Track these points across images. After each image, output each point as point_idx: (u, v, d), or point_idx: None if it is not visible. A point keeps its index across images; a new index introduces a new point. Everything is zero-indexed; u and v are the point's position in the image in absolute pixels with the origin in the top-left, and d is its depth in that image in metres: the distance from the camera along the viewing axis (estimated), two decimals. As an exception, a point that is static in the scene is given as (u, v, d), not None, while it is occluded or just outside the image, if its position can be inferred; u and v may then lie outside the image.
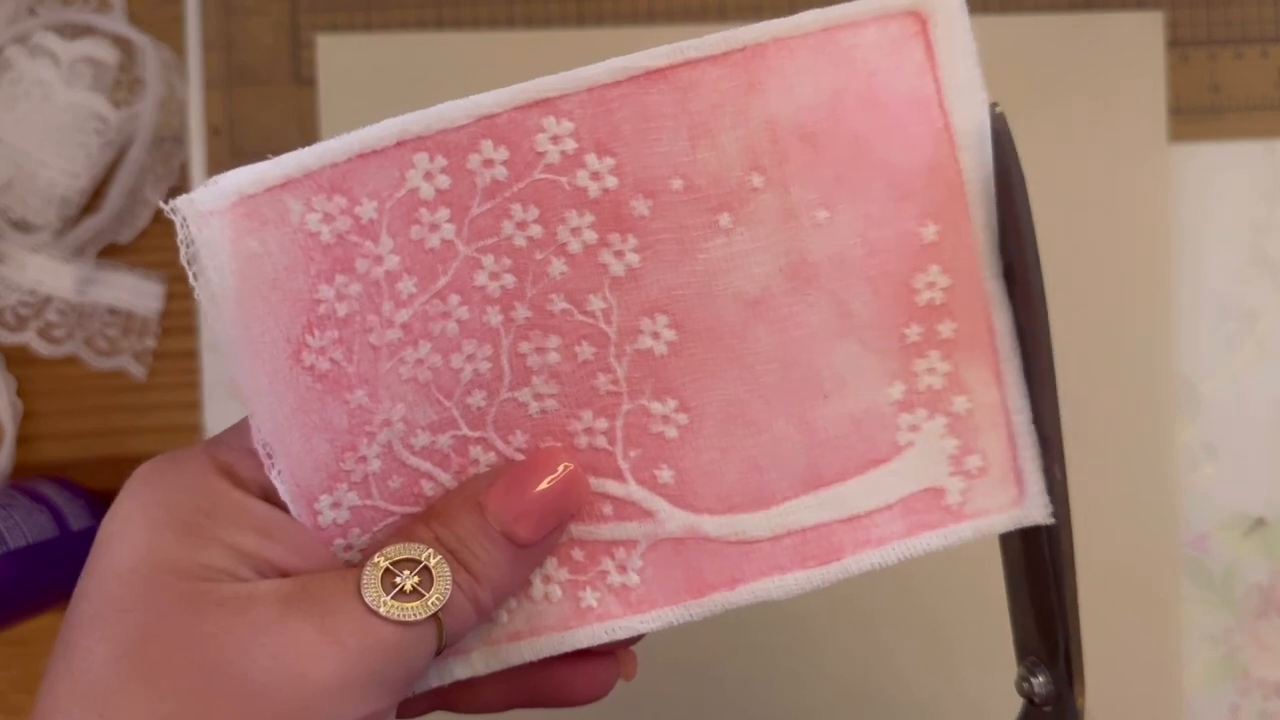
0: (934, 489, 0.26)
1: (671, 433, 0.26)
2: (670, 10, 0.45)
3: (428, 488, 0.26)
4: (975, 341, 0.25)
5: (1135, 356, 0.44)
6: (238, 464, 0.25)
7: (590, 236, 0.24)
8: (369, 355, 0.24)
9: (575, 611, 0.26)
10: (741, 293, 0.25)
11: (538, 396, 0.25)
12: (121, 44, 0.46)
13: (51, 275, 0.45)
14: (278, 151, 0.44)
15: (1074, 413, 0.44)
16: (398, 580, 0.24)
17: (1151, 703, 0.44)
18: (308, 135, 0.44)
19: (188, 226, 0.22)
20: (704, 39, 0.24)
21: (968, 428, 0.25)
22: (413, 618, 0.24)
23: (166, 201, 0.23)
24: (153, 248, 0.46)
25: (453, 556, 0.25)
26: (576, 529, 0.26)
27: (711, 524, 0.26)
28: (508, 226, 0.24)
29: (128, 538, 0.24)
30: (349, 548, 0.25)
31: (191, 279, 0.23)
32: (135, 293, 0.45)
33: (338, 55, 0.44)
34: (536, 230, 0.24)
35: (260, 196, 0.23)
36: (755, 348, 0.25)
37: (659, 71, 0.24)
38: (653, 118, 0.24)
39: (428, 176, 0.24)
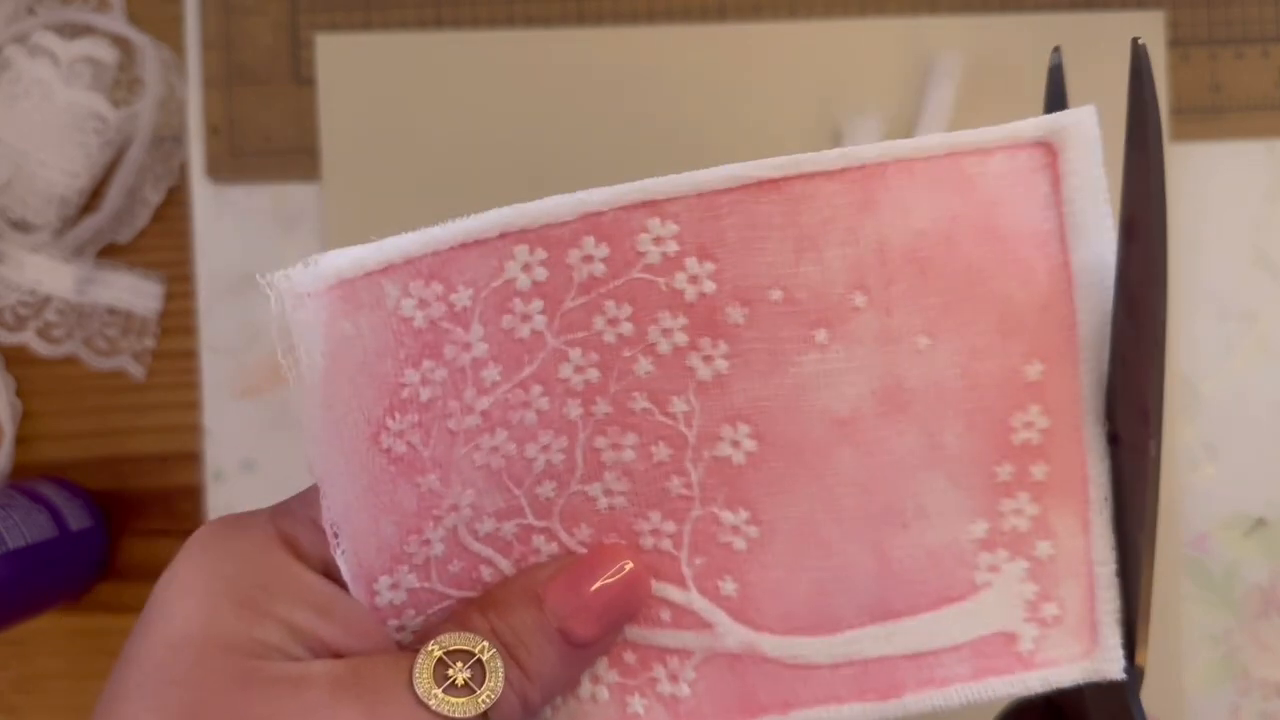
0: (1007, 634, 0.25)
1: (740, 544, 0.25)
2: (670, 10, 0.45)
3: (487, 574, 0.25)
4: (1067, 487, 0.24)
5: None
6: (301, 536, 0.24)
7: (681, 339, 0.24)
8: (445, 440, 0.24)
9: (621, 717, 0.25)
10: (830, 411, 0.24)
11: (608, 492, 0.25)
12: (121, 43, 0.46)
13: (51, 275, 0.45)
14: (277, 151, 0.44)
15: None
16: (450, 672, 0.23)
17: (1152, 703, 0.43)
18: (307, 135, 0.44)
19: (283, 305, 0.22)
20: (822, 154, 0.23)
21: (1048, 574, 0.25)
22: (462, 714, 0.23)
23: (262, 278, 0.23)
24: (152, 247, 0.46)
25: (507, 651, 0.24)
26: (631, 632, 0.25)
27: (770, 643, 0.25)
28: (599, 322, 0.24)
29: (183, 606, 0.23)
30: (402, 629, 0.25)
31: (280, 355, 0.23)
32: (134, 292, 0.45)
33: (337, 54, 0.44)
34: (627, 328, 0.24)
35: (359, 281, 0.23)
36: (837, 468, 0.24)
37: (772, 182, 0.23)
38: (760, 227, 0.23)
39: (526, 268, 0.23)
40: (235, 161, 0.45)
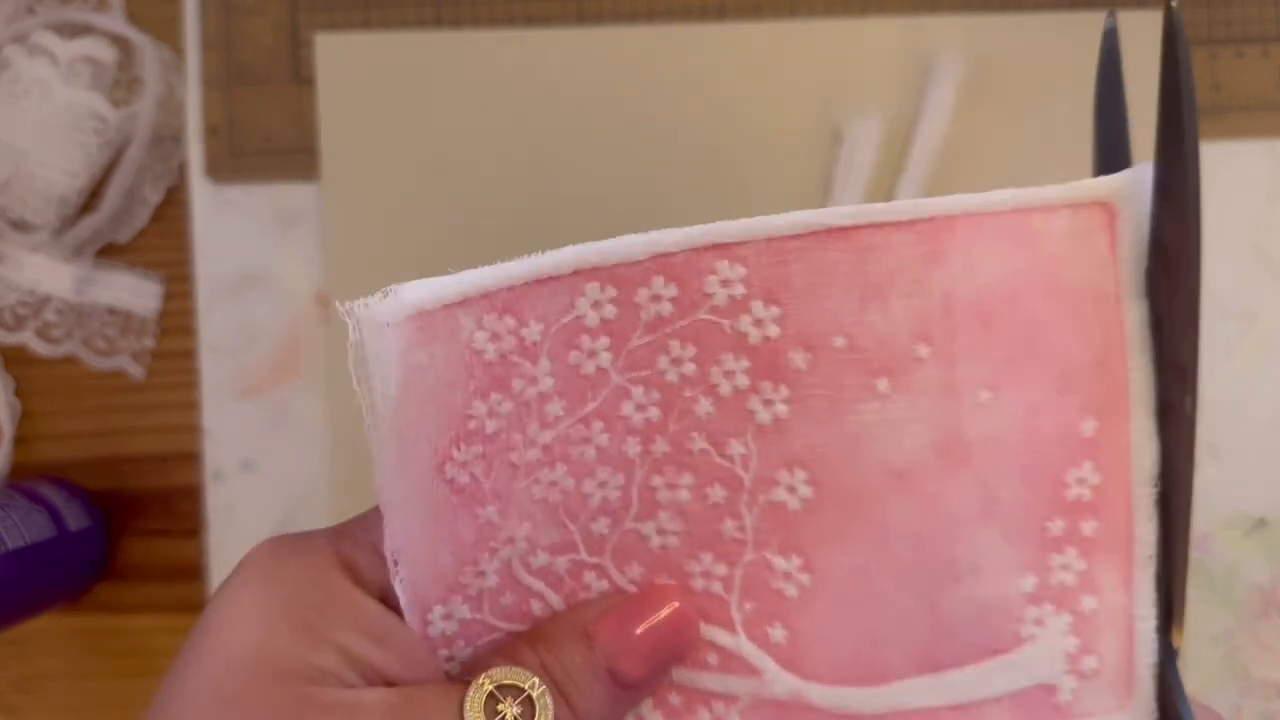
0: (1047, 686, 0.25)
1: (791, 591, 0.25)
2: (670, 9, 0.45)
3: (537, 607, 0.25)
4: (1114, 543, 0.25)
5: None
6: (360, 560, 0.24)
7: (742, 381, 0.24)
8: (507, 473, 0.24)
9: None
10: (888, 461, 0.24)
11: (660, 532, 0.25)
12: (120, 43, 0.46)
13: (50, 275, 0.45)
14: (276, 151, 0.44)
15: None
16: (500, 707, 0.23)
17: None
18: (307, 135, 0.44)
19: (360, 333, 0.23)
20: (891, 205, 0.23)
21: (1090, 628, 0.25)
22: None
23: (341, 306, 0.23)
24: (151, 247, 0.46)
25: (556, 688, 0.24)
26: (678, 674, 0.25)
27: (818, 693, 0.25)
28: (663, 361, 0.24)
29: (240, 627, 0.23)
30: (450, 659, 0.25)
31: (355, 383, 0.23)
32: (134, 292, 0.45)
33: (336, 54, 0.44)
34: (690, 368, 0.24)
35: (438, 313, 0.23)
36: (893, 520, 0.24)
37: (841, 230, 0.24)
38: (827, 274, 0.24)
39: (595, 305, 0.24)
40: (235, 161, 0.45)
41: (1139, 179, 0.24)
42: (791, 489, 0.24)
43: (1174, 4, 0.23)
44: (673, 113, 0.44)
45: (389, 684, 0.24)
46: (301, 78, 0.45)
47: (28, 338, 0.46)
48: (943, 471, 0.24)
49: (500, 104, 0.44)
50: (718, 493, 0.25)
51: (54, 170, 0.45)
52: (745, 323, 0.24)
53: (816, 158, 0.44)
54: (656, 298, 0.24)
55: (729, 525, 0.25)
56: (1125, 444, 0.24)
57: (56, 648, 0.46)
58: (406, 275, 0.44)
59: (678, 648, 0.25)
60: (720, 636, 0.25)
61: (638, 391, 0.24)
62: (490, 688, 0.24)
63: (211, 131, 0.45)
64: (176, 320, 0.46)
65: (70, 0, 0.46)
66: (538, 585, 0.25)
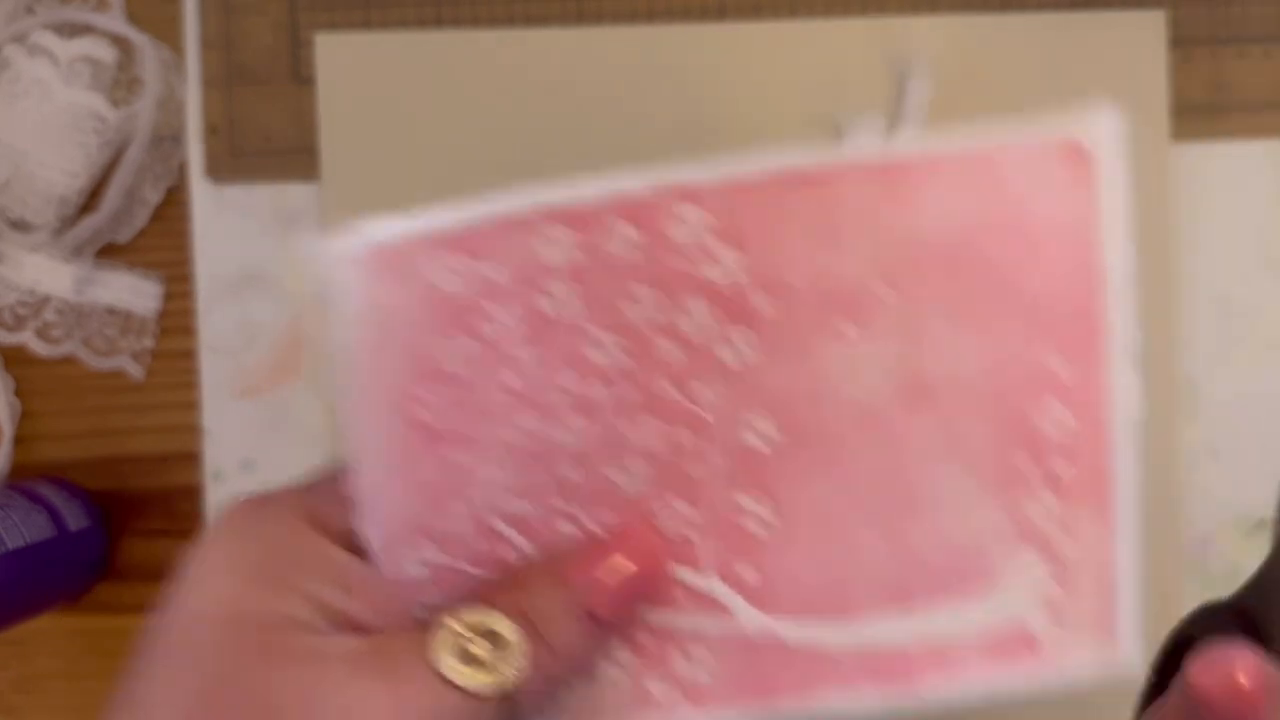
0: (1022, 627, 0.25)
1: (759, 531, 0.25)
2: (670, 9, 0.44)
3: (509, 553, 0.25)
4: (1092, 488, 0.25)
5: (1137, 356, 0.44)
6: (327, 512, 0.25)
7: (709, 326, 0.24)
8: (474, 417, 0.24)
9: (637, 698, 0.25)
10: (853, 402, 0.24)
11: (629, 476, 0.25)
12: (120, 43, 0.46)
13: (50, 275, 0.45)
14: (276, 151, 0.44)
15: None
16: (472, 648, 0.23)
17: (1153, 704, 0.43)
18: (307, 135, 0.44)
19: (325, 267, 0.23)
20: (852, 149, 0.24)
21: (1068, 571, 0.25)
22: (485, 688, 0.23)
23: (302, 242, 0.23)
24: (151, 247, 0.46)
25: (532, 628, 0.24)
26: (649, 615, 0.26)
27: (787, 629, 0.25)
28: (629, 307, 0.24)
29: (209, 582, 0.24)
30: (423, 606, 0.25)
31: (318, 321, 0.23)
32: (133, 292, 0.45)
33: (336, 54, 0.44)
34: (654, 313, 0.24)
35: (399, 250, 0.23)
36: (858, 458, 0.25)
37: (804, 173, 0.24)
38: (790, 218, 0.24)
39: (560, 249, 0.24)
40: (234, 161, 0.45)
41: (1109, 118, 0.23)
42: (758, 432, 0.25)
43: None
44: (673, 112, 0.44)
45: (360, 631, 0.24)
46: (301, 78, 0.45)
47: (27, 338, 0.46)
48: (907, 410, 0.24)
49: (500, 104, 0.44)
50: (685, 436, 0.25)
51: (54, 170, 0.45)
52: (711, 267, 0.24)
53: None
54: (621, 240, 0.24)
55: (697, 469, 0.25)
56: (1103, 388, 0.24)
57: (56, 648, 0.46)
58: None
59: (651, 586, 0.25)
60: (690, 577, 0.25)
61: (606, 337, 0.24)
62: (460, 629, 0.24)
63: (211, 131, 0.45)
64: (176, 320, 0.46)
65: (70, 0, 0.46)
66: (509, 532, 0.25)
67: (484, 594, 0.25)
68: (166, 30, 0.46)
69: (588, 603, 0.25)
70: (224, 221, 0.45)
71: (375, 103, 0.44)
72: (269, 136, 0.45)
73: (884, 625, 0.25)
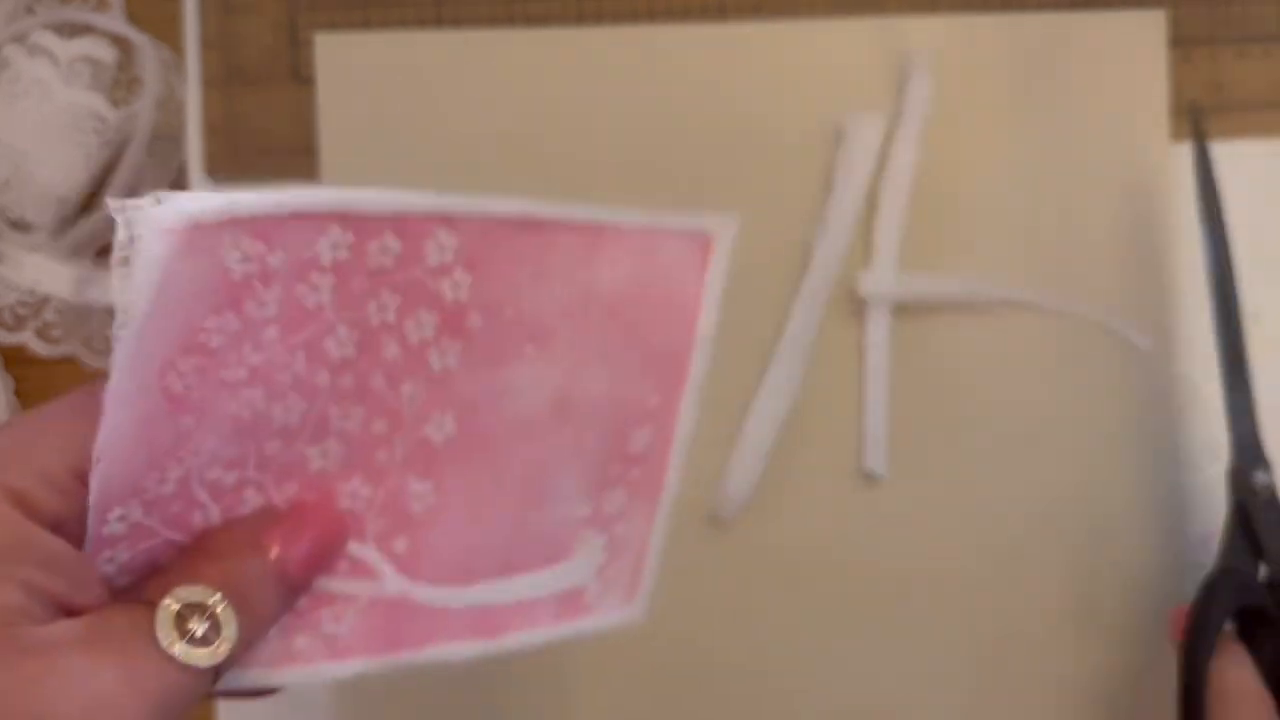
0: (580, 588, 0.31)
1: (418, 509, 0.29)
2: (670, 9, 0.45)
3: (197, 518, 0.27)
4: (649, 487, 0.31)
5: (1137, 356, 0.44)
6: (29, 491, 0.24)
7: (428, 333, 0.27)
8: (213, 388, 0.25)
9: (285, 653, 0.28)
10: (519, 412, 0.29)
11: (324, 455, 0.28)
12: (120, 43, 0.46)
13: (49, 275, 0.45)
14: (278, 151, 0.44)
15: (1076, 414, 0.44)
16: (190, 625, 0.24)
17: (1156, 703, 0.44)
18: (306, 134, 0.44)
19: (133, 233, 0.23)
20: (570, 208, 0.28)
21: (618, 546, 0.31)
22: (207, 664, 0.24)
23: (110, 202, 0.23)
24: (151, 247, 0.46)
25: (238, 599, 0.25)
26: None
27: (421, 592, 0.29)
28: (372, 306, 0.27)
29: None
30: (111, 561, 0.26)
31: (117, 281, 0.23)
32: (133, 292, 0.45)
33: (336, 54, 0.44)
34: (391, 316, 0.27)
35: (207, 227, 0.24)
36: (510, 457, 0.29)
37: (536, 223, 0.28)
38: (515, 255, 0.28)
39: (333, 246, 0.26)
40: (234, 161, 0.45)
41: (727, 224, 0.30)
42: (440, 427, 0.28)
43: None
44: (673, 112, 0.44)
45: (72, 612, 0.24)
46: (301, 78, 0.45)
47: (27, 338, 0.46)
48: (553, 421, 0.29)
49: (500, 104, 0.44)
50: (380, 425, 0.28)
51: (54, 170, 0.45)
52: (446, 285, 0.27)
53: (817, 157, 0.44)
54: (384, 249, 0.26)
55: (382, 455, 0.28)
56: (674, 416, 0.31)
57: (56, 648, 0.46)
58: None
59: (335, 554, 0.28)
60: (354, 547, 0.28)
61: (343, 330, 0.26)
62: (176, 607, 0.24)
63: (211, 131, 0.45)
64: (176, 320, 0.46)
65: (70, 0, 0.46)
66: (203, 497, 0.26)
67: (191, 568, 0.26)
68: (166, 30, 0.46)
69: (285, 569, 0.26)
70: (224, 221, 0.45)
71: (375, 103, 0.44)
72: (268, 136, 0.45)
73: (492, 590, 0.30)
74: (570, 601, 0.31)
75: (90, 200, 0.46)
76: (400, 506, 0.28)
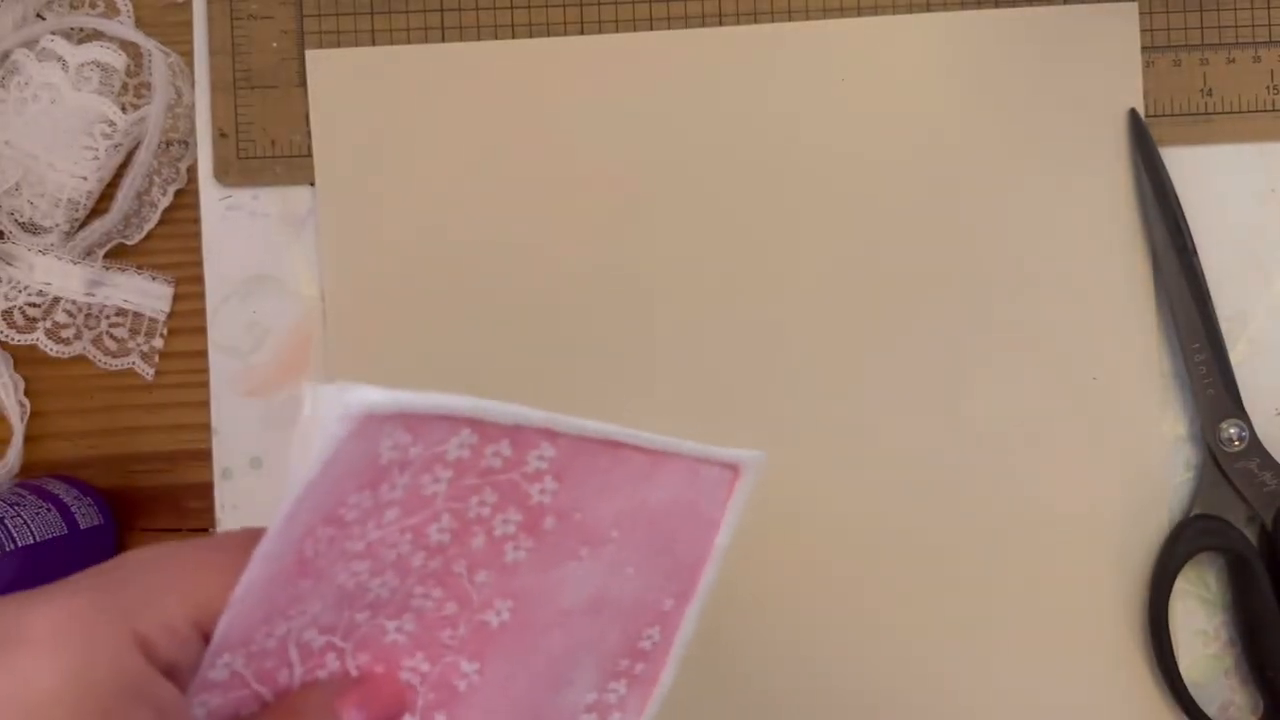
0: None
1: (462, 686, 0.30)
2: (670, 16, 0.45)
3: (284, 676, 0.28)
4: (647, 679, 0.33)
5: (1126, 357, 0.44)
6: (154, 638, 0.25)
7: (511, 530, 0.30)
8: (334, 558, 0.27)
9: None
10: (563, 605, 0.31)
11: (399, 629, 0.30)
12: (129, 48, 0.46)
13: (60, 276, 0.45)
14: (283, 155, 0.45)
15: (1066, 413, 0.44)
16: None
17: (1146, 700, 0.44)
18: (312, 140, 0.45)
19: (316, 412, 0.25)
20: (650, 436, 0.30)
21: None
22: None
23: (312, 390, 0.26)
24: (160, 250, 0.47)
25: None
26: None
27: None
28: (473, 500, 0.29)
29: (44, 703, 0.23)
30: (204, 705, 0.27)
31: (295, 450, 0.25)
32: (143, 294, 0.46)
33: (328, 69, 0.45)
34: (486, 511, 0.29)
35: (379, 419, 0.26)
36: (545, 644, 0.31)
37: (616, 444, 0.30)
38: (593, 469, 0.30)
39: (460, 445, 0.28)
40: (242, 165, 0.45)
41: (758, 460, 0.32)
42: (498, 612, 0.30)
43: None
44: (673, 116, 0.45)
45: None
46: (307, 83, 0.45)
47: (38, 338, 0.46)
48: (587, 616, 0.31)
49: (497, 115, 0.45)
50: (452, 607, 0.30)
51: (64, 173, 0.45)
52: (535, 488, 0.30)
53: (818, 159, 0.45)
54: (497, 453, 0.29)
55: (447, 633, 0.30)
56: (681, 618, 0.33)
57: (66, 643, 0.47)
58: (401, 287, 0.45)
59: (394, 713, 0.29)
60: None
61: (445, 518, 0.29)
62: None
63: (219, 136, 0.45)
64: (185, 321, 0.46)
65: (79, 6, 0.47)
66: (294, 656, 0.28)
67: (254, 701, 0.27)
68: (175, 36, 0.46)
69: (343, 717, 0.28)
70: (232, 224, 0.45)
71: (366, 115, 0.44)
72: (275, 141, 0.45)
73: None
74: None
75: (100, 203, 0.46)
76: (448, 683, 0.30)
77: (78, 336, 0.46)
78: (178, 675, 0.26)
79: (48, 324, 0.46)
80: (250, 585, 0.26)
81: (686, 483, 0.32)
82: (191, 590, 0.26)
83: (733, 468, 0.32)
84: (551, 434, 0.29)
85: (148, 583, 0.26)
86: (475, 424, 0.28)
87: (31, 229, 0.46)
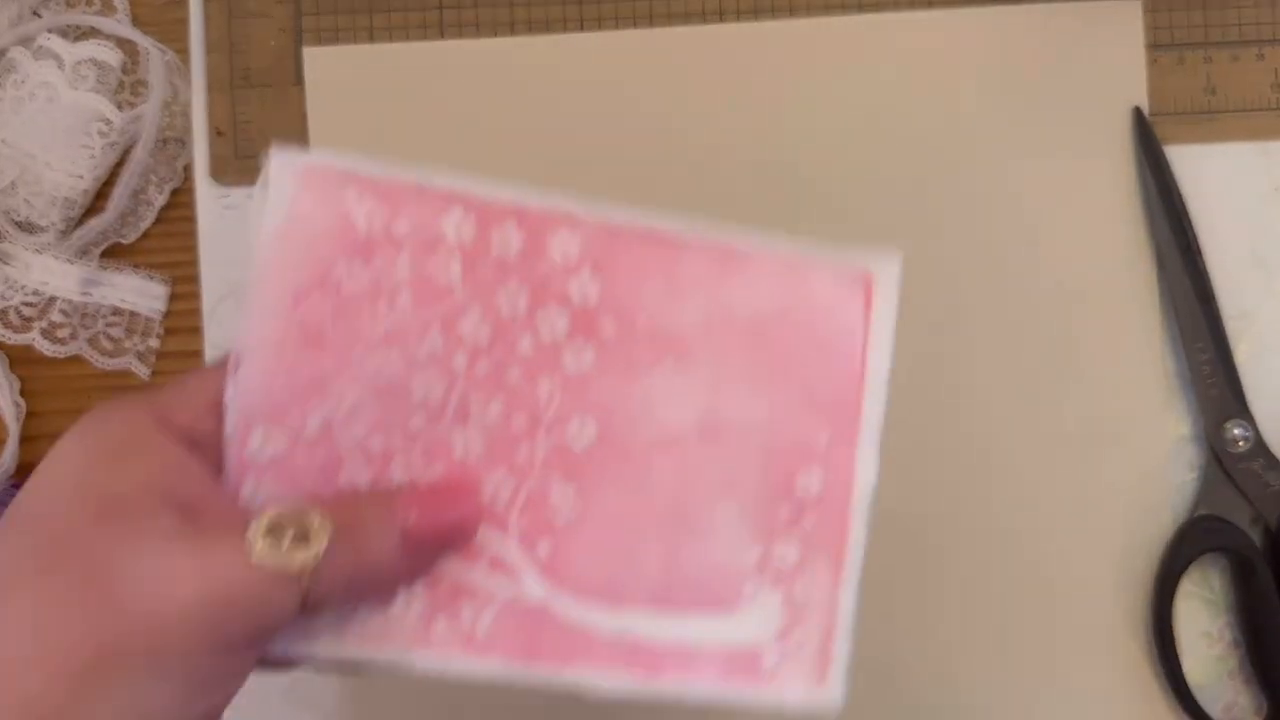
0: (755, 650, 0.29)
1: (560, 516, 0.29)
2: (670, 13, 0.45)
3: (343, 476, 0.28)
4: (829, 542, 0.29)
5: (1129, 356, 0.44)
6: (171, 411, 0.28)
7: (560, 333, 0.28)
8: (349, 335, 0.28)
9: (420, 635, 0.28)
10: (662, 426, 0.29)
11: (466, 441, 0.29)
12: (125, 46, 0.46)
13: (56, 276, 0.45)
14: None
15: (1071, 414, 0.44)
16: (282, 535, 0.26)
17: (1149, 701, 0.44)
18: (309, 138, 0.45)
19: (269, 169, 0.27)
20: (704, 228, 0.29)
21: (799, 608, 0.29)
22: (272, 564, 0.25)
23: (270, 153, 0.28)
24: (156, 249, 0.46)
25: (346, 530, 0.26)
26: (452, 564, 0.29)
27: (564, 604, 0.29)
28: (501, 295, 0.28)
29: (61, 463, 0.27)
30: (258, 491, 0.28)
31: (252, 214, 0.28)
32: (139, 293, 0.46)
33: (325, 67, 0.44)
34: (522, 309, 0.28)
35: (332, 176, 0.28)
36: (655, 475, 0.29)
37: (662, 234, 0.29)
38: (646, 266, 0.29)
39: (457, 228, 0.28)
40: (239, 163, 0.45)
41: (894, 263, 0.29)
42: (579, 431, 0.29)
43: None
44: (672, 115, 0.45)
45: (187, 514, 0.26)
46: (305, 82, 0.45)
47: (33, 338, 0.46)
48: (702, 445, 0.29)
49: (492, 113, 0.44)
50: (520, 420, 0.29)
51: (60, 172, 0.45)
52: (573, 284, 0.28)
53: (820, 156, 0.44)
54: (506, 241, 0.28)
55: (523, 450, 0.29)
56: (850, 464, 0.29)
57: (62, 645, 0.47)
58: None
59: (460, 535, 0.28)
60: (495, 540, 0.29)
61: (475, 314, 0.28)
62: (274, 515, 0.26)
63: (216, 134, 0.45)
64: (181, 321, 0.46)
65: (75, 4, 0.47)
66: (350, 454, 0.28)
67: (311, 496, 0.28)
68: (171, 34, 0.46)
69: (407, 524, 0.27)
70: (228, 223, 0.45)
71: (364, 114, 0.44)
72: (272, 139, 0.45)
73: (644, 621, 0.29)
74: (742, 662, 0.29)
75: (96, 202, 0.46)
76: (542, 509, 0.29)
77: (73, 336, 0.46)
78: (206, 448, 0.28)
79: (43, 323, 0.46)
80: (251, 341, 0.27)
81: (786, 293, 0.29)
82: (203, 376, 0.28)
83: (858, 277, 0.29)
84: (568, 219, 0.28)
85: (182, 382, 0.29)
86: (465, 202, 0.28)
87: (27, 228, 0.46)
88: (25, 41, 0.46)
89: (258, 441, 0.28)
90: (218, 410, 0.28)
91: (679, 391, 0.29)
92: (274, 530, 0.26)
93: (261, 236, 0.27)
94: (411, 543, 0.27)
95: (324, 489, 0.28)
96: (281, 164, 0.28)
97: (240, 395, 0.27)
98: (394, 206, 0.28)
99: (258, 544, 0.25)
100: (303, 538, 0.26)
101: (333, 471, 0.28)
